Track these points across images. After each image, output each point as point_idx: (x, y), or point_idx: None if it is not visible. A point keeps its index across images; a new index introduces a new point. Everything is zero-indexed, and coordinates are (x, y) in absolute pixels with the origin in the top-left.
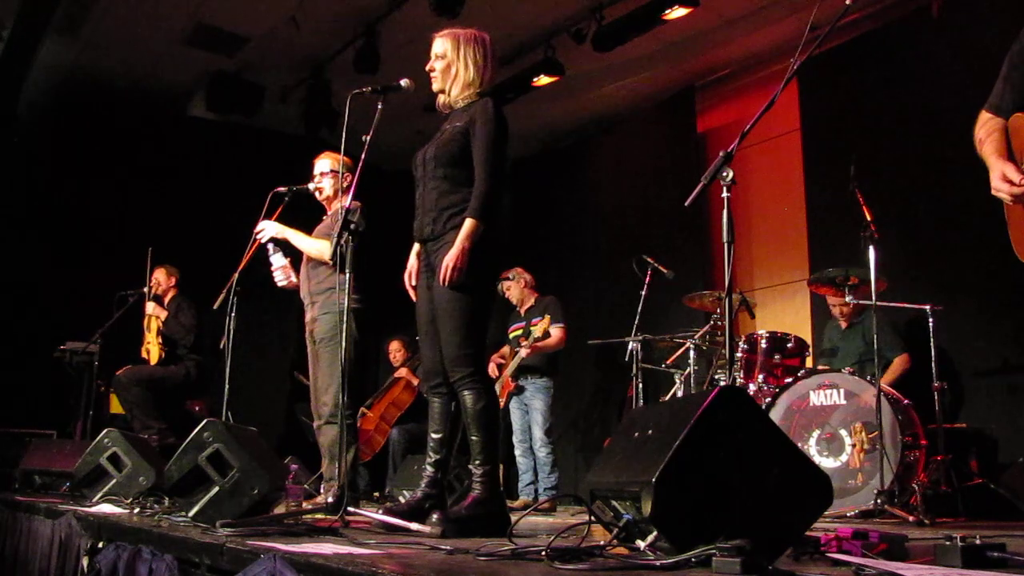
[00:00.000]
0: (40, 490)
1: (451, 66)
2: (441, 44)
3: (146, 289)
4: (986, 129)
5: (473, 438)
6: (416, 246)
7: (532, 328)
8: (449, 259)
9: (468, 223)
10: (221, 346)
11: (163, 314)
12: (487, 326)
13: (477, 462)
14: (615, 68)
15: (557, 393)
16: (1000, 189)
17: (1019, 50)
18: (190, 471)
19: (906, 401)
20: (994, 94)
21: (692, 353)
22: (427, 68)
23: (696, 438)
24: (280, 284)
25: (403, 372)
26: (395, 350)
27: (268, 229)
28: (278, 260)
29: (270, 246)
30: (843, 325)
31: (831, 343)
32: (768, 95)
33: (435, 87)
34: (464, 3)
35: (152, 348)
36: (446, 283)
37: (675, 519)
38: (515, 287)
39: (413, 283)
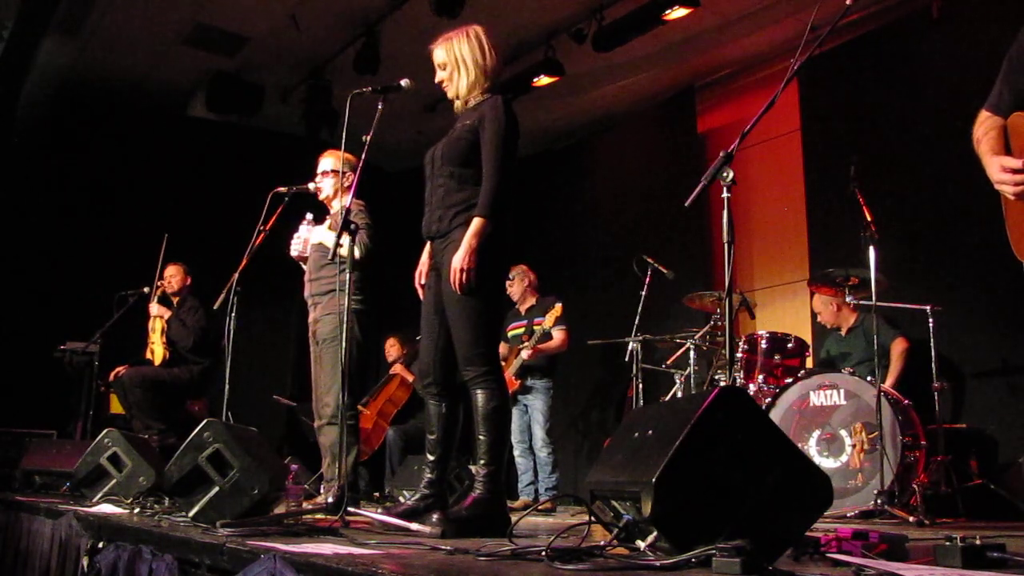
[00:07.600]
0: (40, 490)
1: (454, 71)
2: (439, 53)
3: (146, 289)
4: (984, 128)
5: (480, 437)
6: (428, 244)
7: (535, 327)
8: (457, 261)
9: (476, 222)
10: (221, 346)
11: (167, 314)
12: (499, 324)
13: (482, 462)
14: (615, 68)
15: (557, 393)
16: (1003, 180)
17: (1018, 50)
18: (190, 471)
19: (906, 401)
20: (993, 94)
21: (692, 353)
22: (436, 82)
23: (696, 438)
24: (292, 253)
25: (398, 368)
26: (390, 346)
27: (314, 235)
28: (303, 232)
29: (309, 216)
30: (843, 333)
31: (828, 354)
32: (768, 95)
33: (450, 95)
34: (464, 3)
35: (156, 349)
36: (457, 287)
37: (675, 519)
38: (517, 284)
39: (422, 282)
